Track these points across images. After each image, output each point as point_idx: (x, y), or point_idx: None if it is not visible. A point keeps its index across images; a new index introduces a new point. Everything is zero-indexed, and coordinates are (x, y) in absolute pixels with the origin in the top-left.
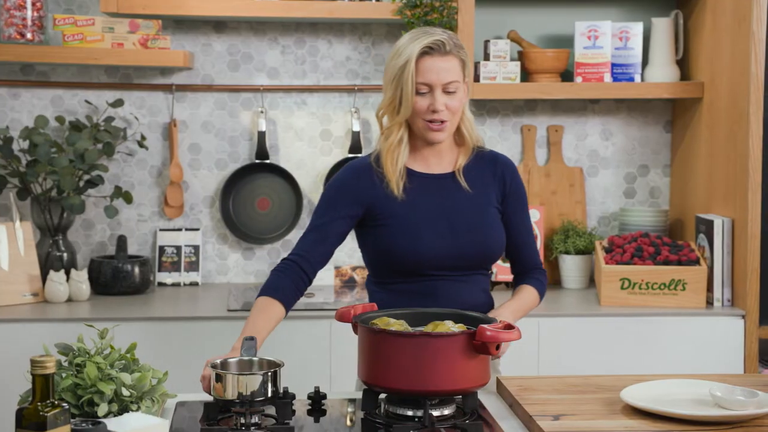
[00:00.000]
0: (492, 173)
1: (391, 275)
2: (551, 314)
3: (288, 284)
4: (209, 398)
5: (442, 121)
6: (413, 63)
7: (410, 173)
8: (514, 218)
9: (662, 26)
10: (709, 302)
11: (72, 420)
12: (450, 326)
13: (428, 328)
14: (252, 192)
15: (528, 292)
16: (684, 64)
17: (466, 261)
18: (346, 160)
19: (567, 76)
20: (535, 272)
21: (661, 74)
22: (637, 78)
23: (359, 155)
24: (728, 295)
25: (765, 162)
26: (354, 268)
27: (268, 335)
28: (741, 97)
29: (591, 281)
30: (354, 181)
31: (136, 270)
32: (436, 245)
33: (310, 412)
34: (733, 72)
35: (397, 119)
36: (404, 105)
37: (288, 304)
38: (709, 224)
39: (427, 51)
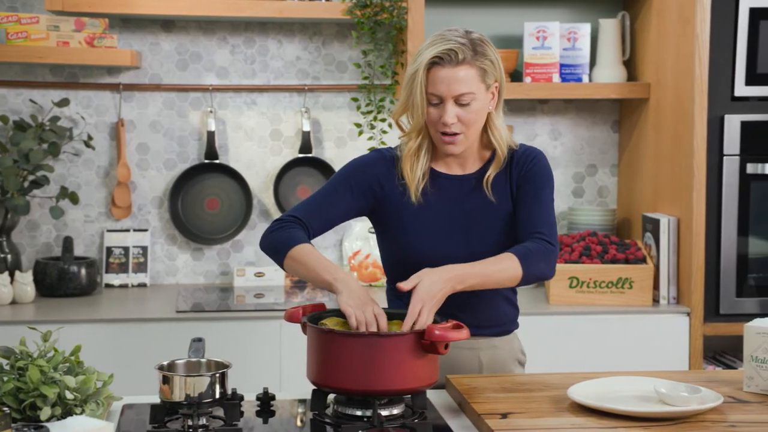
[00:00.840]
0: (508, 172)
1: (403, 280)
2: None
3: (304, 233)
4: (156, 400)
5: (455, 134)
6: (423, 72)
7: (431, 173)
8: (520, 195)
9: (609, 27)
10: (656, 300)
11: (13, 425)
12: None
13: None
14: (201, 192)
15: (499, 257)
16: (631, 65)
17: None
18: (296, 161)
19: (516, 76)
20: (528, 239)
21: (609, 75)
22: (585, 78)
23: (310, 155)
24: (674, 293)
25: (709, 162)
26: None
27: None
28: (686, 97)
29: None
30: (374, 167)
31: (83, 271)
32: (446, 252)
33: (258, 413)
34: (678, 73)
35: (412, 126)
36: (416, 113)
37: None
38: (656, 223)
39: (437, 61)
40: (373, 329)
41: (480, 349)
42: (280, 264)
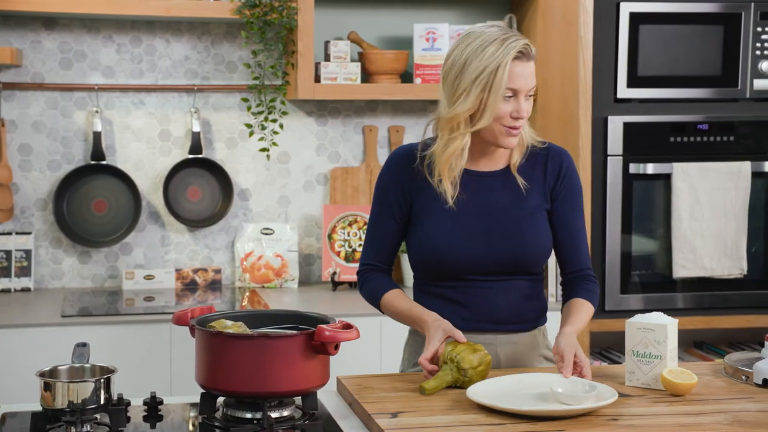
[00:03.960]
0: (542, 170)
1: (426, 277)
2: None
3: (386, 279)
4: (38, 408)
5: (518, 126)
6: (507, 67)
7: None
8: (560, 214)
9: None
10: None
11: None
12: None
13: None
14: (88, 194)
15: (582, 307)
16: None
17: (500, 267)
18: (186, 161)
19: (407, 77)
20: (582, 281)
21: None
22: None
23: (200, 156)
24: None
25: (593, 162)
26: (195, 271)
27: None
28: (571, 99)
29: None
30: (399, 176)
31: None
32: (468, 248)
33: (146, 419)
34: (563, 75)
35: (472, 126)
36: (488, 111)
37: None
38: None
39: (519, 56)
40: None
41: (498, 344)
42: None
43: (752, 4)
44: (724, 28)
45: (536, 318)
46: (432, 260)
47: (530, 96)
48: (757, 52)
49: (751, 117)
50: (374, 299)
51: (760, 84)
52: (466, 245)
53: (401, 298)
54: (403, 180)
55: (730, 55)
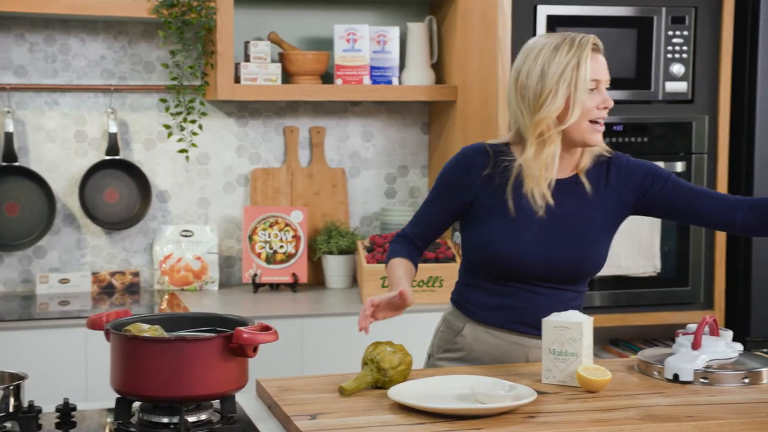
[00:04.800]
0: (605, 181)
1: (477, 273)
2: (315, 314)
3: (407, 249)
4: None
5: (602, 121)
6: (589, 60)
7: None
8: (662, 195)
9: (417, 31)
10: None
11: None
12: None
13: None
14: (0, 196)
15: None
16: (439, 68)
17: (554, 275)
18: (103, 163)
19: (327, 78)
20: (738, 204)
21: (418, 77)
22: (395, 81)
23: (117, 157)
24: None
25: None
26: (113, 274)
27: (410, 282)
28: (490, 100)
29: (354, 280)
30: (466, 171)
31: None
32: (526, 253)
33: (58, 425)
34: (483, 76)
35: (561, 126)
36: (577, 106)
37: (416, 264)
38: None
39: (595, 48)
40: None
41: (529, 347)
42: None
43: (663, 8)
44: (638, 32)
45: None
46: (487, 260)
47: (607, 89)
48: (669, 56)
49: (663, 119)
50: (387, 260)
51: (671, 86)
52: (524, 250)
53: (402, 266)
54: (470, 175)
55: (644, 58)
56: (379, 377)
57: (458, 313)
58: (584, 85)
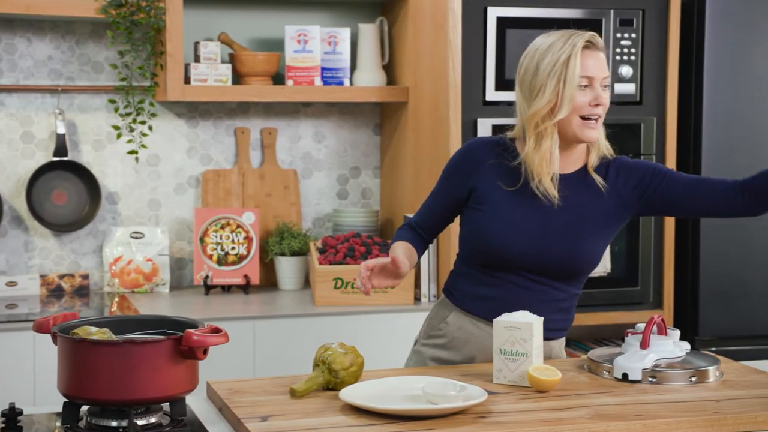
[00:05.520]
0: (605, 181)
1: (470, 261)
2: (267, 315)
3: (410, 235)
4: None
5: (598, 118)
6: (578, 56)
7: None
8: (662, 190)
9: (368, 32)
10: (417, 298)
11: None
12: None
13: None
14: None
15: None
16: (390, 70)
17: (545, 267)
18: (51, 164)
19: (279, 78)
20: (736, 185)
21: (369, 78)
22: (347, 82)
23: (65, 158)
24: (434, 290)
25: None
26: (62, 276)
27: (408, 260)
28: (441, 101)
29: (307, 282)
30: (469, 160)
31: None
32: (519, 241)
33: (4, 430)
34: (434, 78)
35: (551, 120)
36: (566, 101)
37: (419, 250)
38: None
39: (588, 45)
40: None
41: None
42: None
43: (612, 10)
44: None
45: (559, 330)
46: (478, 247)
47: (606, 87)
48: (617, 57)
49: (612, 120)
50: (389, 245)
51: (620, 88)
52: (516, 239)
53: (401, 246)
54: (473, 167)
55: None
56: (330, 378)
57: (447, 302)
58: (573, 80)
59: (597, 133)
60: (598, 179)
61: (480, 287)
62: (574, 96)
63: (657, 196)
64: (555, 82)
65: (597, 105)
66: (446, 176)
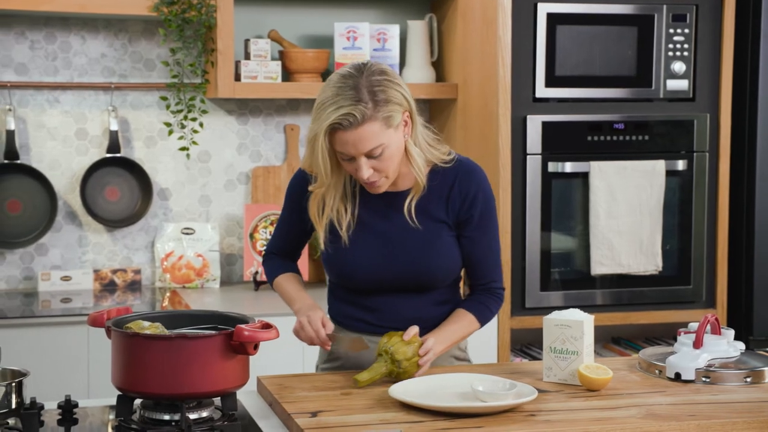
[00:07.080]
0: (448, 191)
1: (337, 284)
2: None
3: (282, 263)
4: None
5: (375, 181)
6: (323, 138)
7: (362, 191)
8: (469, 239)
9: (417, 29)
10: None
11: None
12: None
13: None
14: (1, 194)
15: (461, 319)
16: (439, 66)
17: (398, 284)
18: (104, 160)
19: (328, 75)
20: (481, 293)
21: (418, 75)
22: None
23: (118, 155)
24: None
25: (513, 161)
26: (114, 271)
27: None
28: (490, 98)
29: None
30: (304, 184)
31: None
32: (368, 269)
33: (60, 422)
34: (483, 74)
35: (319, 182)
36: (321, 175)
37: (295, 270)
38: None
39: (337, 127)
40: (316, 327)
41: None
42: None
43: (664, 6)
44: (638, 30)
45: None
46: (334, 275)
47: (377, 156)
48: (670, 53)
49: (664, 117)
50: (270, 280)
51: (672, 84)
52: (367, 265)
53: (291, 281)
54: (307, 193)
55: (644, 56)
56: (393, 368)
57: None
58: (321, 158)
59: (382, 189)
60: (412, 222)
61: (350, 307)
62: (324, 170)
63: (459, 227)
64: (310, 151)
65: (360, 178)
66: (292, 207)
